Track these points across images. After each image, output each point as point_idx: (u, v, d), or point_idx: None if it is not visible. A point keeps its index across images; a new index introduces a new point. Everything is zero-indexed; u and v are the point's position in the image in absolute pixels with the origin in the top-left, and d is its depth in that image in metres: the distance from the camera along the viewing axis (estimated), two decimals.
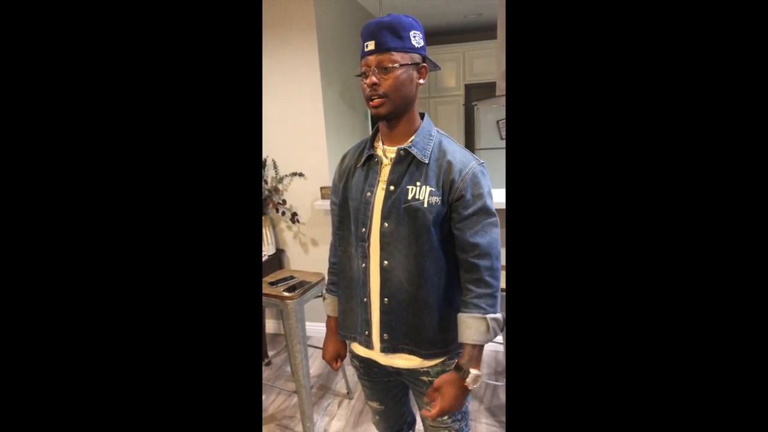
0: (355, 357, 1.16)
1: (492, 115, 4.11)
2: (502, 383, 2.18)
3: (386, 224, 0.99)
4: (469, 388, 0.98)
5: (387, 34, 0.92)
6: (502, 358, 2.50)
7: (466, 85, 4.65)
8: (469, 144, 4.67)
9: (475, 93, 4.71)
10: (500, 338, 2.36)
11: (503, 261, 1.27)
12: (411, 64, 0.95)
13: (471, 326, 0.97)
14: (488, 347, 2.56)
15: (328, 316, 1.21)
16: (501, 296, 1.69)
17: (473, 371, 0.97)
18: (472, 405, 2.06)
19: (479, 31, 4.63)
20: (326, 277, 1.23)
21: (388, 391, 1.21)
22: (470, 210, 0.97)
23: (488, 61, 4.45)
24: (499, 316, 0.98)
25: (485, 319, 0.96)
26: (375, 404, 1.24)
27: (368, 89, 0.94)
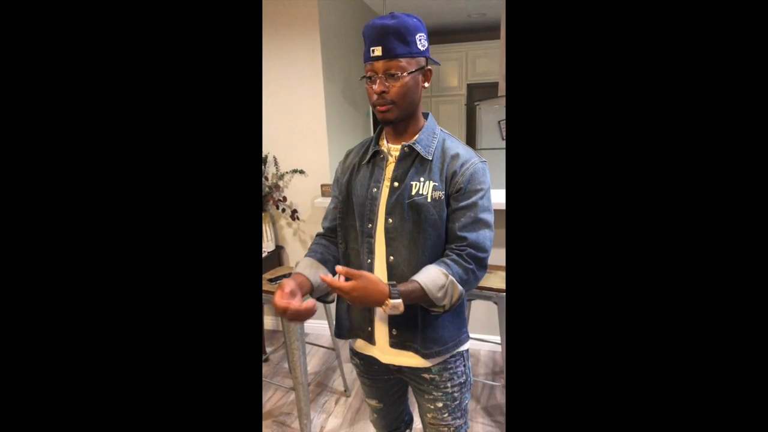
0: (356, 354, 1.17)
1: (494, 115, 4.10)
2: (498, 383, 2.19)
3: (390, 220, 0.99)
4: (383, 310, 0.91)
5: (394, 40, 0.91)
6: (499, 358, 2.50)
7: (468, 84, 4.65)
8: (471, 144, 4.67)
9: (478, 93, 4.71)
10: (497, 338, 2.36)
11: (503, 261, 1.27)
12: (417, 69, 0.95)
13: (432, 273, 0.92)
14: (485, 347, 2.56)
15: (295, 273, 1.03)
16: (501, 297, 1.72)
17: (394, 301, 0.88)
18: (469, 405, 2.06)
19: (482, 31, 4.62)
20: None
21: (387, 389, 1.21)
22: (464, 203, 0.97)
23: (491, 61, 4.44)
24: (461, 289, 0.93)
25: (447, 276, 0.92)
26: (374, 402, 1.24)
27: (375, 96, 0.94)
